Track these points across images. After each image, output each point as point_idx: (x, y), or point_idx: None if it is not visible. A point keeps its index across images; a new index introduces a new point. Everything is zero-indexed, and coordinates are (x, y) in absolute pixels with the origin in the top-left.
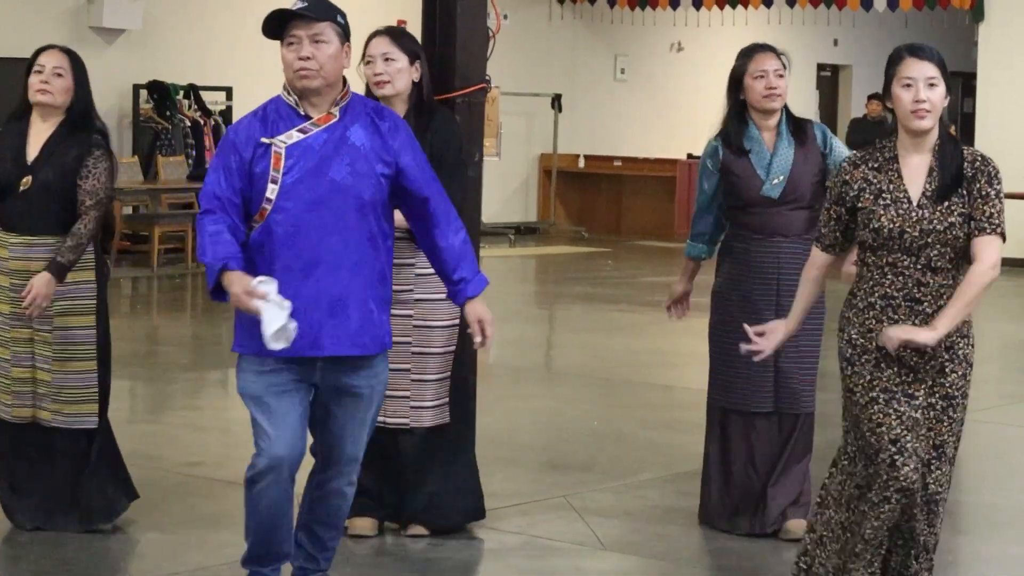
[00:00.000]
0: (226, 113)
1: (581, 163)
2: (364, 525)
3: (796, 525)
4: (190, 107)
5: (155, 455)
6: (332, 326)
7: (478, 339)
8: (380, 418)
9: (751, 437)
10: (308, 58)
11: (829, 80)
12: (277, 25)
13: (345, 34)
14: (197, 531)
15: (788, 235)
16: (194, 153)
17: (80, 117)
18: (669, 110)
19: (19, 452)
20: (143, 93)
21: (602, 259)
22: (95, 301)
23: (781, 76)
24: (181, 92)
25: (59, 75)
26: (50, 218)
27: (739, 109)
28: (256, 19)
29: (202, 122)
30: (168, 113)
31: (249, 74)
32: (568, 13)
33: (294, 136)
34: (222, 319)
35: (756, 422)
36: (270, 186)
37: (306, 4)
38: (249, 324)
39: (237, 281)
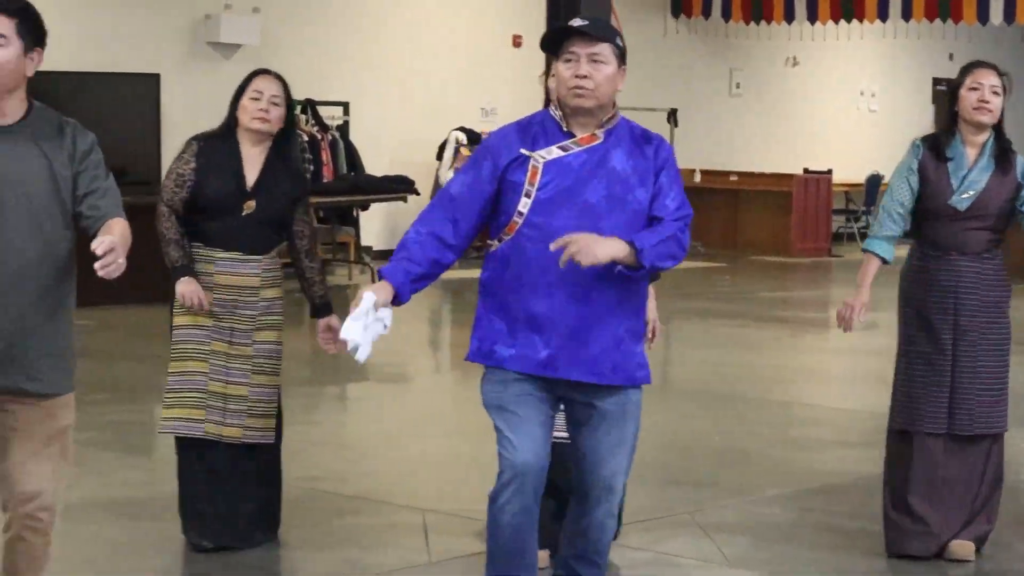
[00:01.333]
0: (343, 128)
1: (697, 178)
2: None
3: (961, 547)
4: (307, 122)
5: None
6: (571, 349)
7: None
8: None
9: (927, 459)
10: (584, 76)
11: (945, 94)
12: (556, 41)
13: (622, 57)
14: (321, 546)
15: (966, 252)
16: (311, 168)
17: (286, 142)
18: (784, 124)
19: (201, 469)
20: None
21: (719, 274)
22: (282, 317)
23: (996, 94)
24: (298, 107)
25: (276, 104)
26: (261, 240)
27: (951, 120)
28: (372, 34)
29: (319, 137)
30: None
31: (366, 89)
32: (683, 28)
33: (554, 152)
34: None
35: (931, 443)
36: (523, 199)
37: (588, 22)
38: (488, 337)
39: (372, 287)
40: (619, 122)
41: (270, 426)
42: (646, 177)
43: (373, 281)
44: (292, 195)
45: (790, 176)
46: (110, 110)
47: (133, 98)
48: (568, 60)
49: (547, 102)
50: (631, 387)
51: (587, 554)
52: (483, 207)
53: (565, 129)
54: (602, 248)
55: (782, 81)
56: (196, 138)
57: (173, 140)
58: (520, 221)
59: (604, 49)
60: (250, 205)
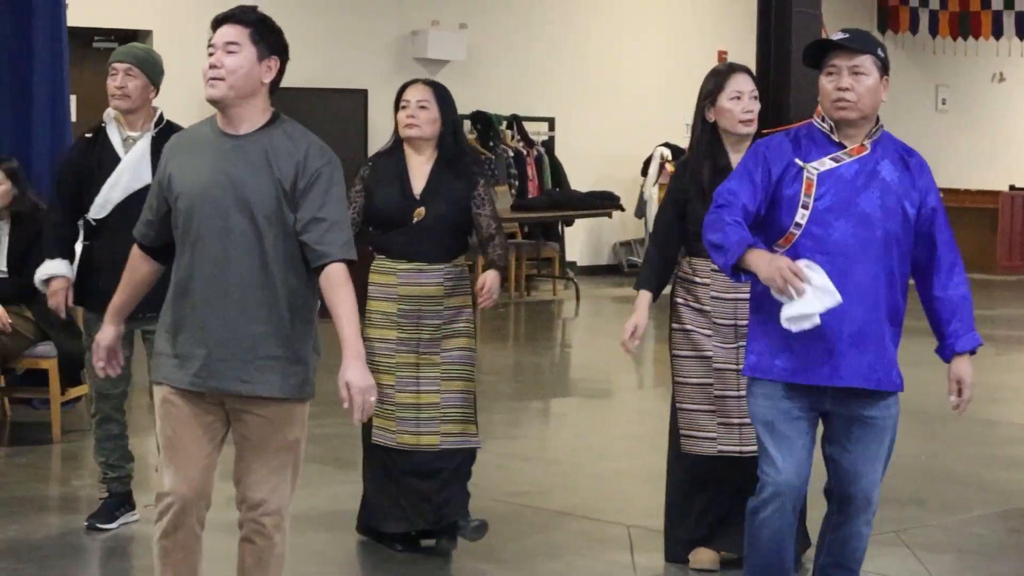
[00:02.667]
0: (548, 143)
1: None
2: (706, 558)
3: None
4: (513, 137)
5: (480, 483)
6: (852, 356)
7: (954, 399)
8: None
9: None
10: (846, 89)
11: None
12: (818, 54)
13: (884, 68)
14: (527, 560)
15: None
16: (517, 183)
17: (453, 146)
18: (990, 141)
19: (394, 477)
20: (467, 123)
21: None
22: (474, 325)
23: None
24: (504, 122)
25: (423, 108)
26: (441, 247)
27: None
28: (578, 50)
29: (525, 152)
30: (491, 143)
31: (571, 105)
32: (890, 44)
33: (826, 164)
34: (543, 348)
35: None
36: (800, 211)
37: (848, 35)
38: (766, 350)
39: (779, 258)
40: (883, 134)
41: (470, 430)
42: (911, 190)
43: (578, 297)
44: (465, 196)
45: (996, 193)
46: (320, 125)
47: (342, 113)
48: (830, 73)
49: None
50: (891, 394)
51: (845, 562)
52: (756, 209)
53: (836, 140)
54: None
55: (988, 97)
56: (369, 158)
57: None
58: (798, 232)
59: (865, 61)
60: (420, 212)
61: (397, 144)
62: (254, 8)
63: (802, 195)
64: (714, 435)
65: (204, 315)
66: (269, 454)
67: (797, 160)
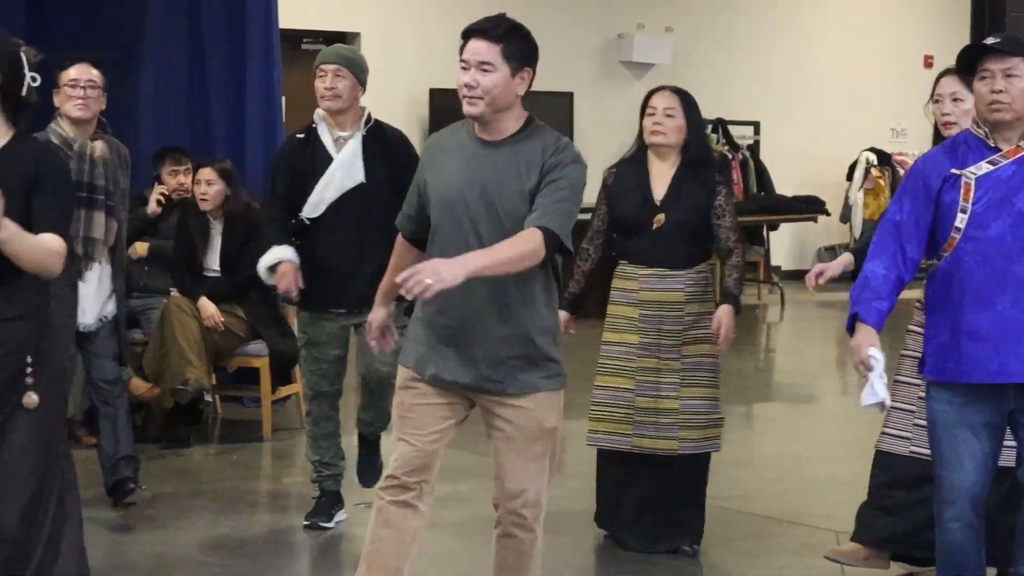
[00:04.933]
0: (753, 147)
1: None
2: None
3: None
4: (718, 141)
5: None
6: (1020, 350)
7: None
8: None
9: None
10: (1000, 91)
11: None
12: (971, 58)
13: None
14: (737, 565)
15: None
16: None
17: (697, 154)
18: None
19: (631, 481)
20: None
21: None
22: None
23: None
24: (709, 126)
25: (670, 115)
26: (681, 253)
27: None
28: (783, 54)
29: (730, 156)
30: None
31: (776, 109)
32: None
33: (983, 167)
34: (747, 353)
35: None
36: (959, 215)
37: (1000, 40)
38: (941, 350)
39: (863, 339)
40: None
41: (709, 435)
42: None
43: (783, 302)
44: (706, 204)
45: None
46: None
47: (548, 116)
48: (983, 77)
49: (935, 128)
50: None
51: None
52: (926, 230)
53: (991, 144)
54: None
55: None
56: (613, 164)
57: (585, 157)
58: (958, 236)
59: (1018, 63)
60: (659, 219)
61: (640, 150)
62: (502, 20)
63: (960, 200)
64: (909, 435)
65: (454, 314)
66: (527, 443)
67: (953, 170)
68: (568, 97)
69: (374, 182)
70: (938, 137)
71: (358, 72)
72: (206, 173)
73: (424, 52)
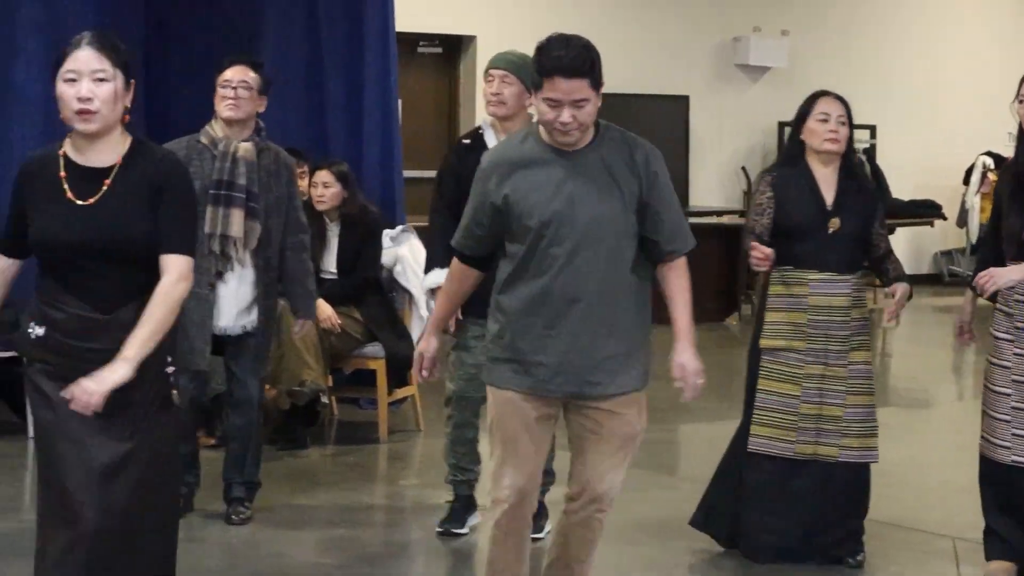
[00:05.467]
0: (870, 151)
1: None
2: (1002, 568)
3: None
4: None
5: None
6: None
7: None
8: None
9: None
10: None
11: None
12: None
13: None
14: (857, 571)
15: None
16: None
17: (853, 161)
18: None
19: (783, 487)
20: (788, 131)
21: None
22: (869, 337)
23: None
24: None
25: (843, 123)
26: (849, 258)
27: None
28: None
29: None
30: None
31: (892, 113)
32: None
33: None
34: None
35: None
36: None
37: None
38: None
39: None
40: None
41: (869, 445)
42: None
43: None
44: (869, 211)
45: None
46: (641, 131)
47: (663, 119)
48: None
49: (1020, 128)
50: None
51: None
52: None
53: None
54: None
55: None
56: (766, 171)
57: (700, 161)
58: None
59: None
60: (835, 223)
61: (798, 156)
62: (582, 50)
63: None
64: (1008, 444)
65: (554, 324)
66: (614, 446)
67: None
68: (684, 101)
69: None
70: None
71: (527, 78)
72: (323, 175)
73: None
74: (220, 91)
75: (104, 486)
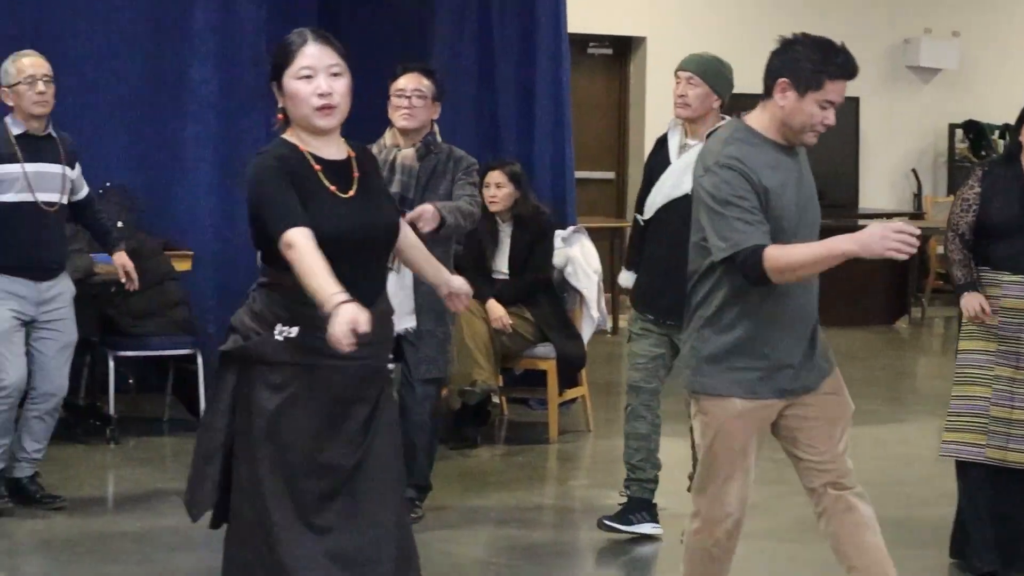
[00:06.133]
0: None
1: None
2: None
3: None
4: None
5: None
6: None
7: None
8: None
9: None
10: None
11: None
12: None
13: None
14: None
15: None
16: None
17: None
18: None
19: (984, 494)
20: (959, 133)
21: None
22: None
23: None
24: (996, 132)
25: None
26: None
27: None
28: None
29: None
30: (983, 153)
31: None
32: None
33: None
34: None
35: None
36: None
37: None
38: None
39: None
40: None
41: None
42: None
43: None
44: None
45: None
46: None
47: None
48: None
49: None
50: None
51: None
52: None
53: None
54: None
55: None
56: (980, 164)
57: (870, 163)
58: None
59: None
60: None
61: (1014, 155)
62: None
63: None
64: None
65: (795, 325)
66: (845, 421)
67: None
68: (854, 102)
69: None
70: None
71: (713, 81)
72: (495, 176)
73: None
74: (394, 100)
75: (336, 489)
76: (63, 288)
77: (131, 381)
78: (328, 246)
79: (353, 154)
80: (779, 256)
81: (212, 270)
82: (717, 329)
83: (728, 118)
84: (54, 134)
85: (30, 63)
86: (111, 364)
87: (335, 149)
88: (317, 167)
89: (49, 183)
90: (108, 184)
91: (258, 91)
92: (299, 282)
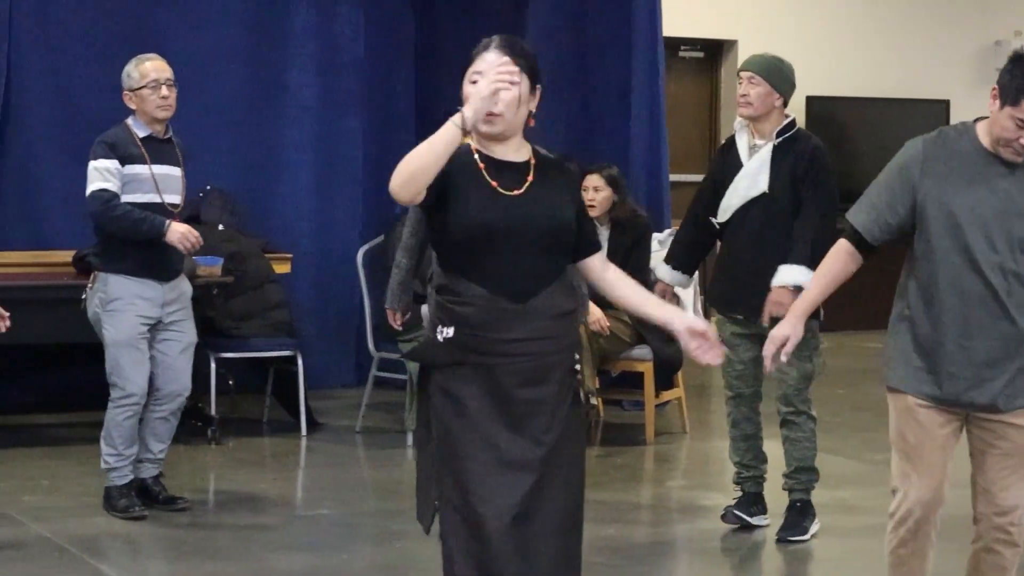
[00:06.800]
0: None
1: None
2: None
3: None
4: None
5: None
6: None
7: None
8: None
9: None
10: None
11: None
12: None
13: None
14: None
15: None
16: None
17: None
18: None
19: None
20: None
21: None
22: None
23: None
24: None
25: None
26: None
27: None
28: None
29: None
30: None
31: None
32: None
33: None
34: None
35: None
36: None
37: None
38: None
39: None
40: None
41: None
42: None
43: None
44: None
45: None
46: (898, 136)
47: (922, 124)
48: None
49: None
50: None
51: None
52: None
53: None
54: None
55: None
56: None
57: None
58: None
59: None
60: None
61: None
62: None
63: None
64: None
65: (962, 335)
66: (1019, 459)
67: None
68: (943, 105)
69: (777, 193)
70: None
71: (775, 80)
72: (593, 180)
73: (802, 59)
74: None
75: (512, 487)
76: (183, 289)
77: (231, 382)
78: (480, 236)
79: (534, 160)
80: None
81: (310, 273)
82: (900, 321)
83: (792, 116)
84: (173, 137)
85: (154, 67)
86: (212, 365)
87: (512, 151)
88: (482, 165)
89: (172, 185)
90: (209, 187)
91: (355, 95)
92: (451, 280)
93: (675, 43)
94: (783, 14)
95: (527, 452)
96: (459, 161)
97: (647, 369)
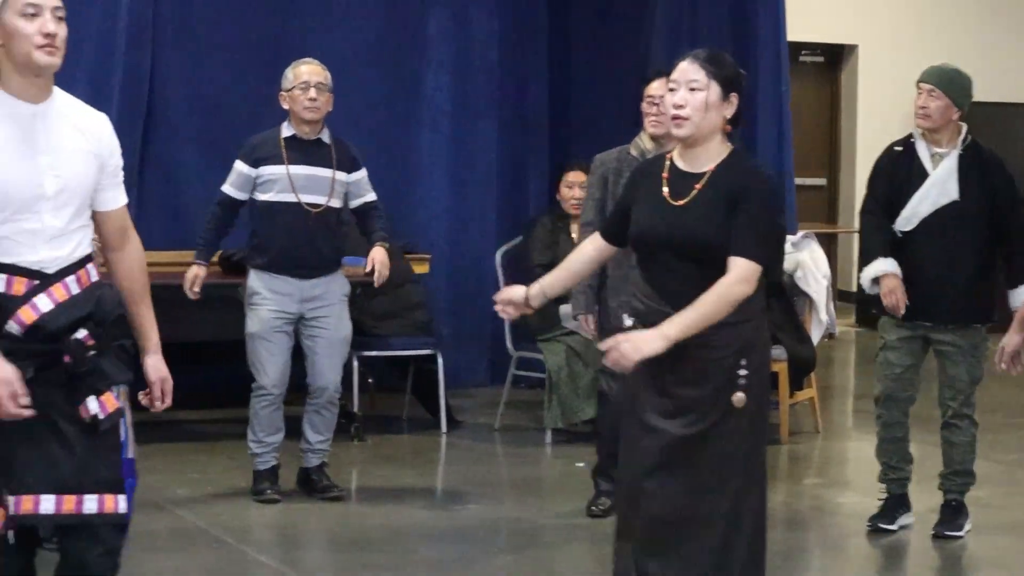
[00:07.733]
0: None
1: None
2: None
3: None
4: None
5: None
6: None
7: None
8: None
9: None
10: None
11: None
12: None
13: None
14: None
15: None
16: None
17: None
18: None
19: None
20: None
21: None
22: None
23: None
24: None
25: None
26: None
27: None
28: None
29: None
30: None
31: None
32: None
33: None
34: None
35: None
36: None
37: None
38: None
39: None
40: None
41: None
42: None
43: None
44: None
45: None
46: (1016, 141)
47: (1005, 130)
48: None
49: None
50: None
51: None
52: None
53: None
54: None
55: None
56: None
57: None
58: None
59: None
60: None
61: None
62: None
63: None
64: None
65: None
66: None
67: None
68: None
69: (969, 201)
70: None
71: (954, 94)
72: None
73: (923, 64)
74: (645, 106)
75: (660, 475)
76: (331, 286)
77: (370, 380)
78: (643, 246)
79: (711, 169)
80: None
81: (446, 274)
82: None
83: (965, 126)
84: (326, 139)
85: (307, 70)
86: (355, 364)
87: (694, 161)
88: (666, 175)
89: (315, 185)
90: None
91: (490, 99)
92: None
93: (796, 47)
94: (903, 19)
95: (668, 442)
96: (653, 168)
97: (781, 369)
